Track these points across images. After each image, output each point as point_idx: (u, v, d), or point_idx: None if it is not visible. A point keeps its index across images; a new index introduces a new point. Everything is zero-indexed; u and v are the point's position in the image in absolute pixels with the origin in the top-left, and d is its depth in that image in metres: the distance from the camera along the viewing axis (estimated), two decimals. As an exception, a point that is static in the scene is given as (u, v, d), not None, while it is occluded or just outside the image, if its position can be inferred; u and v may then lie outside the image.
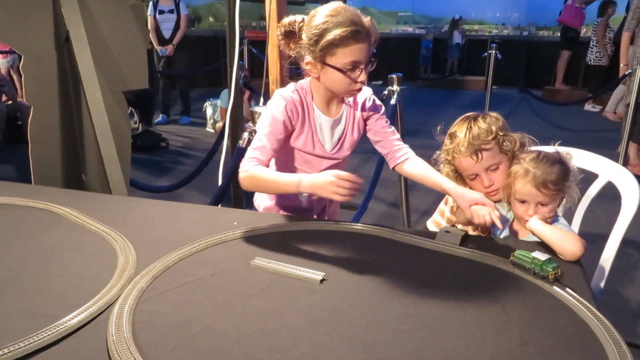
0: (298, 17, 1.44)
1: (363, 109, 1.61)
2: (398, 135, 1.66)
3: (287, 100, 1.49)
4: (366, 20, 1.39)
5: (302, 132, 1.53)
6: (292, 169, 1.59)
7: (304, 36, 1.41)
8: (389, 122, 1.66)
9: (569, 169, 1.37)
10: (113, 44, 2.32)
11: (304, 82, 1.55)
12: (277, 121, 1.47)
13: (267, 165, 1.47)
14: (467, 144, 1.45)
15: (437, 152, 1.58)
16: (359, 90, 1.47)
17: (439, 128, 1.57)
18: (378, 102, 1.64)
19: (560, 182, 1.34)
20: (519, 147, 1.47)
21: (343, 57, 1.37)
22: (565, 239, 1.25)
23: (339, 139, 1.59)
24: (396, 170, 1.66)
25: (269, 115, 1.49)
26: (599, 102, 7.74)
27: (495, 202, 1.52)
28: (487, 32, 11.23)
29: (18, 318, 0.98)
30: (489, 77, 6.71)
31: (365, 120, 1.63)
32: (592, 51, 7.66)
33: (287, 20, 1.45)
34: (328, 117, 1.56)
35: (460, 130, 1.49)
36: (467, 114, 1.54)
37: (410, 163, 1.61)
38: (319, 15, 1.38)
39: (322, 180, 1.29)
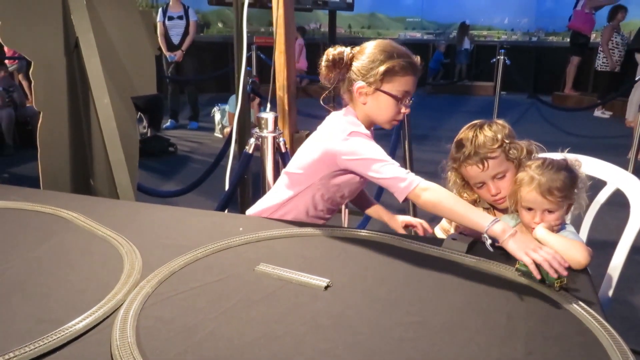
0: (347, 49, 1.51)
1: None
2: None
3: (366, 135, 1.48)
4: (418, 59, 1.50)
5: None
6: (324, 200, 1.60)
7: (356, 64, 1.48)
8: None
9: (575, 176, 1.35)
10: (122, 50, 2.34)
11: (346, 119, 1.53)
12: (378, 148, 1.45)
13: None
14: (473, 153, 1.45)
15: (444, 161, 1.58)
16: (400, 120, 1.54)
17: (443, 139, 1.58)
18: None
19: (567, 189, 1.32)
20: (526, 155, 1.46)
21: (399, 85, 1.46)
22: (572, 249, 1.23)
23: None
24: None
25: (369, 145, 1.44)
26: (609, 108, 7.68)
27: (502, 210, 1.52)
28: (496, 37, 11.20)
29: (24, 322, 0.99)
30: (497, 83, 6.69)
31: None
32: (599, 57, 7.61)
33: (335, 50, 1.51)
34: None
35: (466, 138, 1.49)
36: (473, 122, 1.53)
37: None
38: (374, 46, 1.48)
39: (523, 237, 1.22)
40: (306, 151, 1.57)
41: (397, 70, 1.44)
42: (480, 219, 1.26)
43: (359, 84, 1.48)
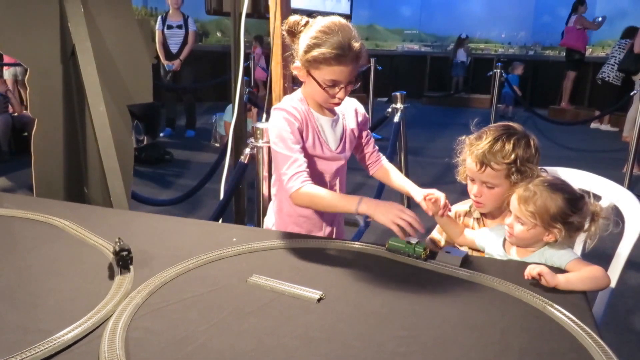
0: (302, 20, 1.48)
1: (356, 115, 1.68)
2: (375, 145, 1.78)
3: (285, 110, 1.51)
4: (356, 44, 1.42)
5: (308, 136, 1.55)
6: None
7: (300, 40, 1.47)
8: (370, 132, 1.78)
9: (570, 213, 1.28)
10: (118, 58, 2.34)
11: (296, 92, 1.60)
12: (292, 131, 1.47)
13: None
14: (480, 153, 1.43)
15: (464, 137, 1.53)
16: (337, 104, 1.54)
17: (476, 120, 1.56)
18: (365, 114, 1.75)
19: (544, 212, 1.28)
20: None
21: (325, 74, 1.44)
22: (596, 285, 1.22)
23: (341, 137, 1.63)
24: (373, 176, 1.79)
25: (280, 130, 1.48)
26: (614, 124, 7.62)
27: (477, 212, 1.56)
28: (493, 51, 11.27)
29: (12, 332, 0.98)
30: (494, 96, 6.72)
31: (360, 129, 1.69)
32: (613, 69, 7.38)
33: (292, 19, 1.49)
34: (326, 117, 1.59)
35: (489, 135, 1.45)
36: (511, 125, 1.49)
37: (383, 169, 1.75)
38: (315, 27, 1.44)
39: (387, 206, 1.33)
40: None
41: (320, 60, 1.41)
42: (349, 203, 1.38)
43: (295, 63, 1.49)
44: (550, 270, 1.20)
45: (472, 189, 1.51)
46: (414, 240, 1.33)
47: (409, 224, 1.29)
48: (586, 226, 1.32)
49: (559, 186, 1.32)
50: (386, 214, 1.32)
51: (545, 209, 1.29)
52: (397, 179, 1.70)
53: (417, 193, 1.57)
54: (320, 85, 1.46)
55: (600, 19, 8.09)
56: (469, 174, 1.51)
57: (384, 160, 1.77)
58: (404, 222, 1.29)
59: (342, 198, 1.42)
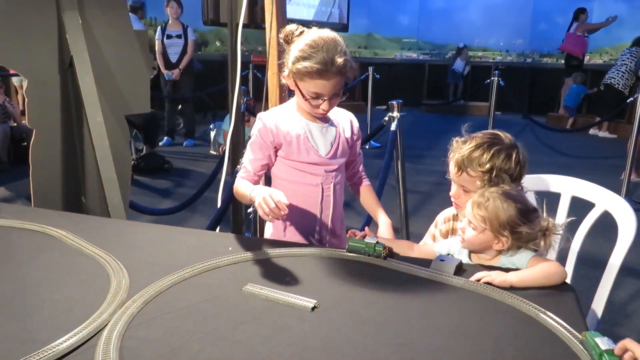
0: (297, 30, 1.52)
1: (351, 127, 1.71)
2: (362, 167, 1.84)
3: (264, 120, 1.59)
4: (340, 60, 1.45)
5: (292, 141, 1.59)
6: (289, 184, 1.65)
7: (291, 49, 1.51)
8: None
9: (518, 220, 1.29)
10: (116, 69, 2.35)
11: (292, 99, 1.65)
12: (257, 144, 1.60)
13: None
14: (459, 157, 1.46)
15: (455, 139, 1.54)
16: (322, 114, 1.59)
17: (466, 125, 1.57)
18: (359, 128, 1.78)
19: (493, 217, 1.30)
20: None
21: (309, 86, 1.49)
22: (549, 277, 1.23)
23: (332, 144, 1.65)
24: (354, 195, 1.85)
25: (252, 139, 1.62)
26: (613, 131, 7.62)
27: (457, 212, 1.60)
28: (491, 58, 11.32)
29: (8, 342, 0.98)
30: (492, 103, 6.74)
31: (353, 141, 1.72)
32: (623, 76, 7.35)
33: (289, 28, 1.54)
34: (316, 123, 1.62)
35: (473, 141, 1.46)
36: (499, 134, 1.48)
37: (364, 190, 1.81)
38: (304, 40, 1.48)
39: (260, 192, 1.37)
40: None
41: (304, 73, 1.46)
42: (248, 191, 1.49)
43: (284, 72, 1.54)
44: (499, 273, 1.23)
45: (452, 189, 1.54)
46: (372, 240, 1.36)
47: (271, 212, 1.32)
48: (541, 241, 1.33)
49: (512, 196, 1.33)
50: (258, 198, 1.36)
51: (495, 215, 1.30)
52: (366, 203, 1.79)
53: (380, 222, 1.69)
54: (303, 96, 1.51)
55: (611, 18, 8.18)
56: (450, 175, 1.53)
57: (365, 183, 1.82)
58: (267, 210, 1.33)
59: (250, 188, 1.50)
